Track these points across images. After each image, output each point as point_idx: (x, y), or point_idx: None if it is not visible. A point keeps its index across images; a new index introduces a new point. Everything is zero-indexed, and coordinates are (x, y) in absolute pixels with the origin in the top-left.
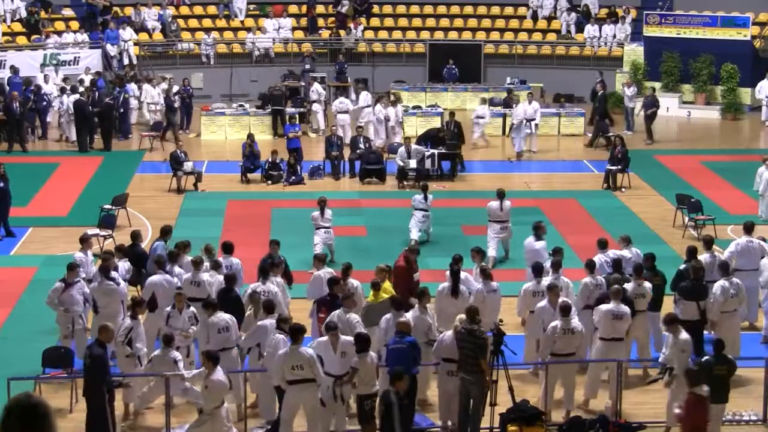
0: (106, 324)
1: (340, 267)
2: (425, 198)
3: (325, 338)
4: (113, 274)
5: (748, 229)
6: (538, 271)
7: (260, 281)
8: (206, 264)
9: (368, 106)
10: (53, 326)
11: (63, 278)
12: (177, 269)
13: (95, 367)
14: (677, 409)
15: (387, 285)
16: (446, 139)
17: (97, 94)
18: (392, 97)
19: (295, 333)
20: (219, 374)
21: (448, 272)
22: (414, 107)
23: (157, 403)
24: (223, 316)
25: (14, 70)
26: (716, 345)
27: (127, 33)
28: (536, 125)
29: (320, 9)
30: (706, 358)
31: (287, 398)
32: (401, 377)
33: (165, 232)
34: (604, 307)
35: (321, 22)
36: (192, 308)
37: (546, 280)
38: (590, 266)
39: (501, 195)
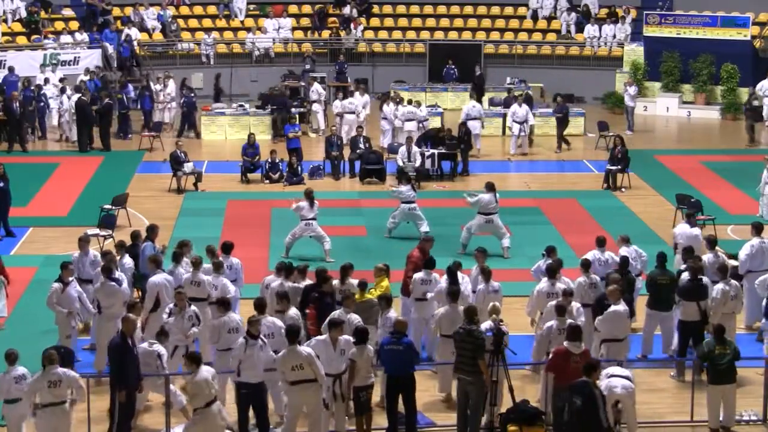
0: (128, 315)
1: (339, 267)
2: (413, 188)
3: (323, 337)
4: (118, 274)
5: (759, 229)
6: (552, 272)
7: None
8: (206, 265)
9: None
10: (53, 326)
11: (59, 279)
12: (180, 269)
13: (111, 358)
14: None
15: (385, 283)
16: (446, 139)
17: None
18: (397, 98)
19: (291, 334)
20: (201, 374)
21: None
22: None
23: (156, 402)
24: (235, 317)
25: (10, 69)
26: (716, 330)
27: (133, 32)
28: (530, 126)
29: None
30: (706, 340)
31: (289, 399)
32: (596, 368)
33: (151, 231)
34: (621, 307)
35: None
36: (193, 307)
37: (559, 284)
38: (585, 265)
39: (492, 187)
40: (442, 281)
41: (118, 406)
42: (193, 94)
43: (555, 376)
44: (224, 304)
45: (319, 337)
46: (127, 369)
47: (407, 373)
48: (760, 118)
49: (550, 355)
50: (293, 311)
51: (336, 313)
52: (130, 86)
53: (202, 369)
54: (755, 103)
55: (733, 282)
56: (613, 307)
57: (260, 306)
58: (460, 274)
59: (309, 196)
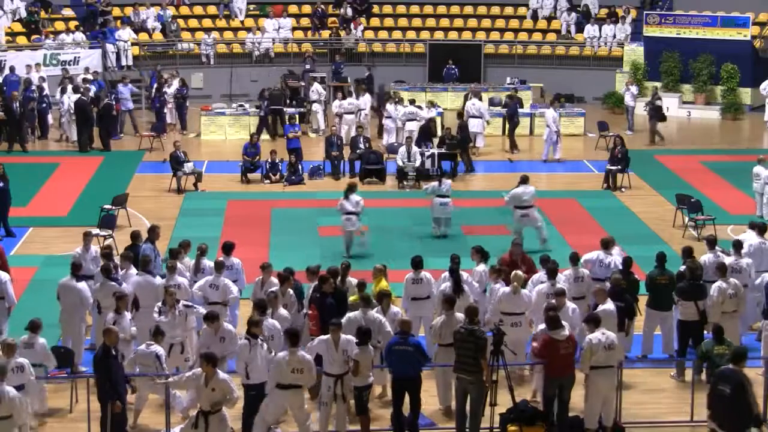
0: (108, 327)
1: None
2: (440, 183)
3: (326, 337)
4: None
5: (761, 230)
6: (552, 273)
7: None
8: (208, 263)
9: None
10: (53, 326)
11: (77, 275)
12: (179, 266)
13: (97, 372)
14: (534, 343)
15: (383, 284)
16: (446, 139)
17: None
18: (396, 97)
19: (293, 337)
20: (223, 374)
21: (446, 272)
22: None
23: (156, 399)
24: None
25: (11, 69)
26: (715, 330)
27: (125, 33)
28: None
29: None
30: (705, 340)
31: (275, 401)
32: (745, 356)
33: (151, 231)
34: (609, 306)
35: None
36: (183, 302)
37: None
38: (573, 259)
39: (525, 180)
40: (445, 283)
41: (112, 417)
42: (266, 103)
43: (546, 364)
44: (258, 308)
45: (321, 337)
46: (116, 381)
47: (415, 374)
48: (663, 118)
49: (537, 345)
50: (283, 312)
51: (355, 315)
52: (120, 87)
53: (219, 371)
54: (657, 102)
55: (732, 280)
56: (600, 307)
57: (261, 307)
58: (464, 274)
59: (352, 189)
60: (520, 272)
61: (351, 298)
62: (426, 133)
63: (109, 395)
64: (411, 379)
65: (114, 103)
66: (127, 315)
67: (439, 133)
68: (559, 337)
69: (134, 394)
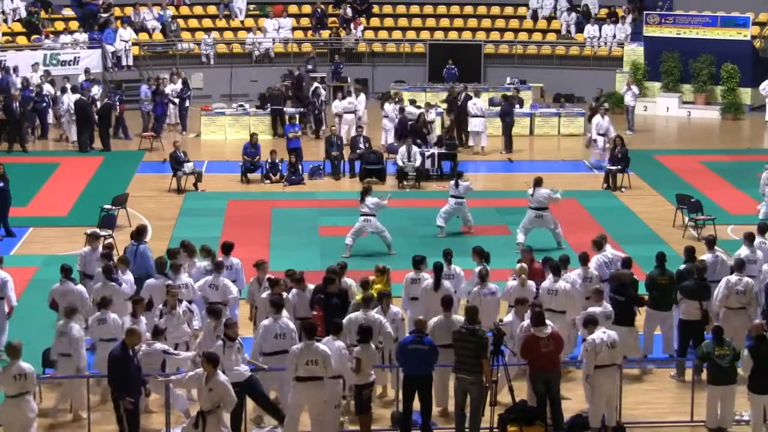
0: (132, 327)
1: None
2: (456, 185)
3: (334, 340)
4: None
5: (762, 230)
6: (556, 269)
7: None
8: (204, 264)
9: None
10: (53, 326)
11: (71, 279)
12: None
13: (112, 369)
14: (521, 336)
15: (378, 286)
16: (445, 139)
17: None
18: (396, 97)
19: (309, 330)
20: (222, 376)
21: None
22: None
23: (156, 399)
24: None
25: (6, 69)
26: (715, 331)
27: (127, 33)
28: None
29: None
30: (706, 341)
31: (294, 395)
32: None
33: (140, 233)
34: (597, 309)
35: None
36: (185, 303)
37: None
38: (583, 259)
39: (537, 182)
40: (428, 280)
41: (126, 415)
42: (320, 100)
43: (528, 361)
44: (277, 306)
45: (328, 340)
46: (130, 380)
47: (428, 372)
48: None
49: (521, 343)
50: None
51: (358, 315)
52: (144, 88)
53: (219, 372)
54: (606, 105)
55: (746, 278)
56: (589, 309)
57: (278, 305)
58: (456, 269)
59: (367, 192)
60: (524, 264)
61: (357, 297)
62: (415, 131)
63: (121, 394)
64: (425, 378)
65: (116, 103)
66: (143, 319)
67: (438, 132)
68: (541, 335)
69: (148, 397)
